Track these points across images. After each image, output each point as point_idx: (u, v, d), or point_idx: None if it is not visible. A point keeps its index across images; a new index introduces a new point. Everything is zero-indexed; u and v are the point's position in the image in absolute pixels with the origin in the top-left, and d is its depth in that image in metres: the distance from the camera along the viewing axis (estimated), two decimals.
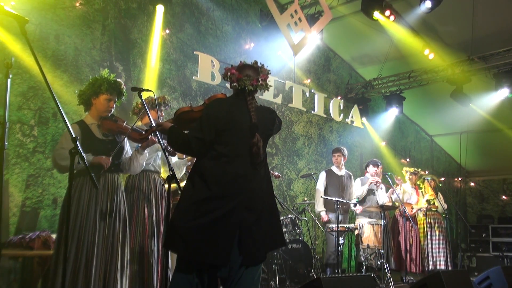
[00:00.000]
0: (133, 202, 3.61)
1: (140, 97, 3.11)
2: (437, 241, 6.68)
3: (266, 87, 2.64)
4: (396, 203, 6.49)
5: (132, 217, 3.54)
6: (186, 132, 2.53)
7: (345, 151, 6.38)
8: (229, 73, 2.61)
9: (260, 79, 2.61)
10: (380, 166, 6.38)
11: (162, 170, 3.99)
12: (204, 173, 2.43)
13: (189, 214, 2.39)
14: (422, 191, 6.95)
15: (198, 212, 2.38)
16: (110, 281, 3.08)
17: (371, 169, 6.37)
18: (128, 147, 3.53)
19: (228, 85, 2.69)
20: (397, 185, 6.66)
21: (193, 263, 2.39)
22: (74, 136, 2.15)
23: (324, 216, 6.04)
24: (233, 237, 2.39)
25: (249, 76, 2.60)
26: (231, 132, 2.46)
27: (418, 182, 7.02)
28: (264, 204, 2.52)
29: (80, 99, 3.36)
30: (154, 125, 2.92)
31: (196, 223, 2.36)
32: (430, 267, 6.53)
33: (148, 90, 3.20)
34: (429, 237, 6.67)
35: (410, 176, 6.91)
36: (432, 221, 6.73)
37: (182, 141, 2.48)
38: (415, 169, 7.04)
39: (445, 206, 6.88)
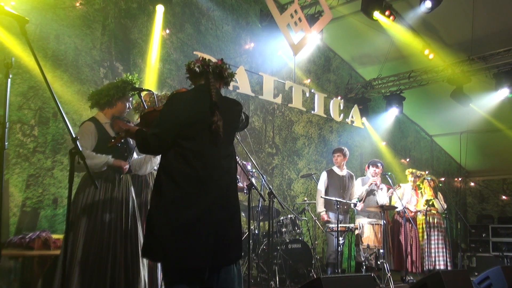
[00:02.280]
0: (147, 201, 3.65)
1: (140, 97, 3.10)
2: (436, 241, 6.68)
3: (228, 69, 2.60)
4: (396, 205, 6.47)
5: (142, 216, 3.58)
6: None
7: (346, 151, 6.37)
8: (192, 64, 2.57)
9: (221, 61, 2.60)
10: (380, 167, 6.38)
11: None
12: (172, 171, 2.33)
13: (163, 217, 2.28)
14: (421, 191, 6.95)
15: (172, 213, 2.28)
16: (136, 275, 3.12)
17: (371, 169, 6.36)
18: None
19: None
20: (398, 186, 6.65)
21: (182, 271, 2.29)
22: (74, 136, 2.15)
23: (324, 216, 6.04)
24: (212, 236, 2.31)
25: (210, 61, 2.60)
26: (196, 125, 2.37)
27: (418, 183, 7.02)
28: (235, 202, 2.49)
29: (102, 98, 3.30)
30: None
31: (173, 226, 2.26)
32: (430, 267, 6.53)
33: (148, 90, 3.20)
34: (428, 237, 6.66)
35: (413, 179, 6.90)
36: (431, 221, 6.72)
37: (143, 141, 2.40)
38: (420, 172, 7.03)
39: (445, 206, 6.87)
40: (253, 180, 5.19)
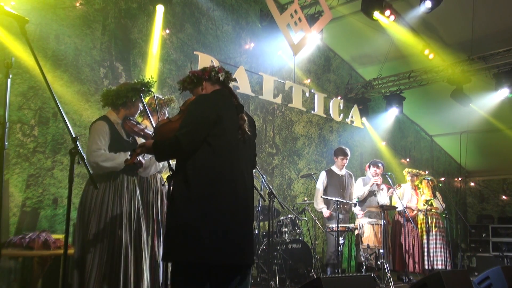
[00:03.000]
0: (148, 202, 3.66)
1: (141, 98, 3.10)
2: (434, 241, 6.68)
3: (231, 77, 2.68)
4: (396, 205, 6.47)
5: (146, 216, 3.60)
6: None
7: (349, 154, 6.37)
8: (210, 70, 2.62)
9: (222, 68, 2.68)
10: (381, 167, 6.37)
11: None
12: (202, 169, 2.32)
13: (196, 214, 2.24)
14: (420, 191, 6.95)
15: (207, 210, 2.25)
16: (140, 276, 3.16)
17: (372, 169, 6.36)
18: None
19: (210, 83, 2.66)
20: (398, 186, 6.65)
21: (205, 269, 2.24)
22: (74, 136, 2.15)
23: (325, 212, 6.03)
24: (241, 235, 2.32)
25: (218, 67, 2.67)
26: (224, 124, 2.41)
27: (416, 183, 7.02)
28: (253, 203, 2.55)
29: (119, 99, 3.30)
30: (153, 126, 2.94)
31: (208, 221, 2.23)
32: (429, 267, 6.53)
33: (149, 91, 3.21)
34: (428, 237, 6.66)
35: (411, 178, 6.90)
36: (430, 221, 6.73)
37: (170, 145, 2.35)
38: (417, 171, 7.03)
39: (444, 205, 6.87)
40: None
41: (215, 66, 2.67)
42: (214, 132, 2.38)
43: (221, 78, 2.60)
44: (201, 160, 2.34)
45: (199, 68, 2.61)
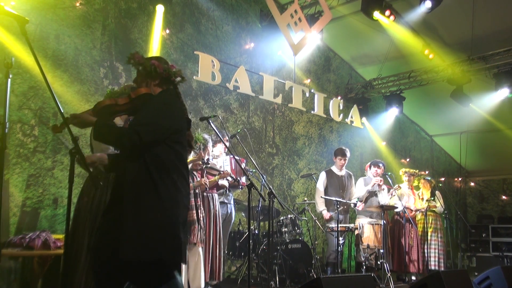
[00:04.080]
0: None
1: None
2: (433, 241, 6.68)
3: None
4: (396, 205, 6.47)
5: None
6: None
7: (348, 155, 6.36)
8: (168, 71, 2.56)
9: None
10: (382, 167, 6.36)
11: None
12: (172, 173, 2.34)
13: (166, 216, 2.29)
14: (418, 193, 6.93)
15: (174, 212, 2.31)
16: None
17: (373, 169, 6.35)
18: None
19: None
20: (398, 186, 6.65)
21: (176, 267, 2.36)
22: (74, 136, 2.15)
23: (326, 214, 6.03)
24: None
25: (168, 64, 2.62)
26: (182, 132, 2.47)
27: (415, 183, 7.01)
28: None
29: None
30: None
31: (174, 224, 2.30)
32: (428, 267, 6.53)
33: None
34: (427, 237, 6.67)
35: (408, 178, 6.89)
36: (429, 221, 6.72)
37: (124, 134, 2.26)
38: (414, 170, 7.02)
39: (443, 207, 6.84)
40: (244, 178, 5.19)
41: (172, 66, 2.61)
42: (176, 138, 2.42)
43: (176, 81, 2.59)
44: (168, 164, 2.35)
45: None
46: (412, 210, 6.72)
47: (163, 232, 2.26)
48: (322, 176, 6.30)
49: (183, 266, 4.02)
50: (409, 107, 9.16)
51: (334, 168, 6.35)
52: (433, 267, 6.55)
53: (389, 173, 6.32)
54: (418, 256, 6.53)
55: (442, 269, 6.55)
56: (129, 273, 2.29)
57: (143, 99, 2.42)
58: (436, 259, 6.63)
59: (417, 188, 7.02)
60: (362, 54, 8.63)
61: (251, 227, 5.14)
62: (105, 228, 2.33)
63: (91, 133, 3.32)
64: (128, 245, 2.17)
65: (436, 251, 6.66)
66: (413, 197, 6.84)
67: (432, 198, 6.79)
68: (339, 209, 5.41)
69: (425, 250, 6.58)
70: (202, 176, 4.45)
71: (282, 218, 5.87)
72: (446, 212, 6.90)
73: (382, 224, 5.75)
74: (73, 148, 2.14)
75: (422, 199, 6.81)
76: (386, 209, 5.97)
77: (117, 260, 2.16)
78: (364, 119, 8.69)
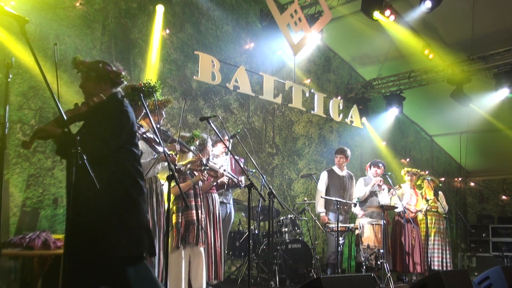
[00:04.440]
0: (153, 206, 3.67)
1: (142, 100, 3.11)
2: (432, 241, 6.68)
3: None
4: (396, 205, 6.46)
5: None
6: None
7: (348, 153, 6.35)
8: (119, 75, 2.73)
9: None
10: (382, 167, 6.36)
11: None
12: (136, 175, 2.57)
13: (139, 213, 2.57)
14: (421, 192, 6.93)
15: (143, 209, 2.59)
16: None
17: (373, 169, 6.35)
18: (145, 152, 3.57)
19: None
20: (399, 186, 6.64)
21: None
22: (74, 136, 2.15)
23: (324, 217, 6.04)
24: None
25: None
26: (136, 132, 2.69)
27: (418, 182, 7.00)
28: None
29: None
30: (154, 126, 2.99)
31: (145, 219, 2.61)
32: (429, 267, 6.53)
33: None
34: (427, 237, 6.66)
35: (410, 177, 6.89)
36: (430, 221, 6.72)
37: (96, 147, 2.43)
38: (416, 170, 7.01)
39: (446, 207, 6.84)
40: (242, 178, 5.19)
41: (120, 70, 2.78)
42: (134, 140, 2.64)
43: (122, 84, 2.75)
44: (129, 166, 2.57)
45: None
46: (412, 211, 6.70)
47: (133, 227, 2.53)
48: (324, 175, 6.29)
49: (183, 266, 4.02)
50: (409, 107, 9.15)
51: (336, 168, 6.34)
52: (436, 267, 6.53)
53: (389, 173, 6.31)
54: (421, 256, 6.52)
55: (449, 269, 6.54)
56: (106, 273, 2.45)
57: (102, 108, 2.56)
58: (440, 259, 6.61)
59: (420, 187, 7.01)
60: (362, 54, 8.63)
61: (251, 227, 5.13)
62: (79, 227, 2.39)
63: None
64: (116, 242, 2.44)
65: (440, 251, 6.65)
66: (415, 197, 6.84)
67: (433, 198, 6.79)
68: (339, 209, 5.41)
69: (425, 251, 6.58)
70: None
71: (282, 218, 5.87)
72: (446, 212, 6.89)
73: (382, 224, 5.75)
74: (73, 148, 2.13)
75: (425, 198, 6.81)
76: (386, 209, 5.96)
77: (104, 259, 2.37)
78: (364, 119, 8.69)
